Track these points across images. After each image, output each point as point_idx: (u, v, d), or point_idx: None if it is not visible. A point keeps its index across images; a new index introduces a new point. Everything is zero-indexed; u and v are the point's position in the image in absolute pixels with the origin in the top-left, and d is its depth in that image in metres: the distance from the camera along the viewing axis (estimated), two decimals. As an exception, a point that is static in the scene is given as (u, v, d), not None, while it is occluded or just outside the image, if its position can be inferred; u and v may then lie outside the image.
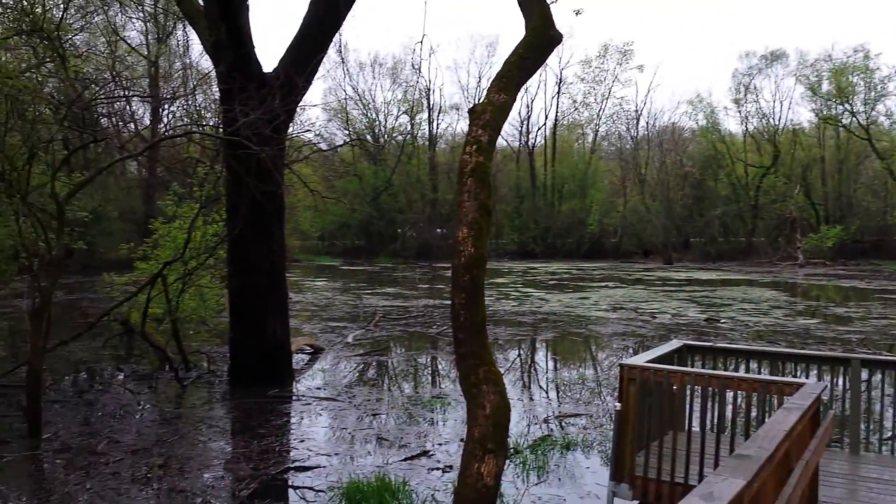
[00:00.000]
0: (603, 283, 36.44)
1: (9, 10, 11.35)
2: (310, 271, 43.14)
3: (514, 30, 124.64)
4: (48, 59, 10.43)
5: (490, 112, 6.16)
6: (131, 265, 16.30)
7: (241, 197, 11.30)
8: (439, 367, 14.28)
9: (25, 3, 10.50)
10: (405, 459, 7.97)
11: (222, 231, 13.19)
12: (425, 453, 8.21)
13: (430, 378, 13.20)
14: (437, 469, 7.65)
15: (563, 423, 9.61)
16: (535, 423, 9.60)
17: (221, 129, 11.44)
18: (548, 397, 11.43)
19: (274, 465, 7.73)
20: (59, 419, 9.53)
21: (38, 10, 10.66)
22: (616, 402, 5.91)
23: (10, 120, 8.90)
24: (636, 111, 79.81)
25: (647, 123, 73.45)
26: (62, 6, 11.71)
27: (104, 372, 13.12)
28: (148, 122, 38.40)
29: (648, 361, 5.97)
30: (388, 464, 7.76)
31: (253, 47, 11.48)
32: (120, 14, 31.91)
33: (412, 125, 67.65)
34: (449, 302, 6.00)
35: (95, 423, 9.48)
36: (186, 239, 12.02)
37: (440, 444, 8.56)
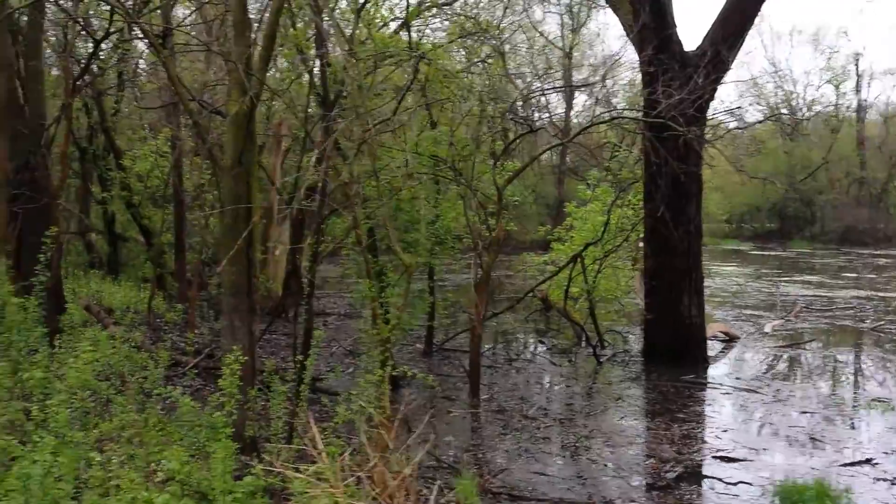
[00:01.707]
0: None
1: (454, 15, 12.86)
2: (717, 255, 41.45)
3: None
4: (488, 58, 11.60)
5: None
6: (545, 246, 17.36)
7: (660, 179, 11.28)
8: (878, 366, 12.55)
9: (467, 7, 11.81)
10: (844, 465, 7.19)
11: (638, 213, 13.33)
12: (868, 461, 7.30)
13: (867, 377, 11.67)
14: (885, 480, 6.75)
15: None
16: None
17: (642, 113, 11.52)
18: None
19: (697, 452, 7.59)
20: (494, 382, 10.59)
21: (478, 13, 11.93)
22: None
23: (460, 115, 10.10)
24: None
25: None
26: (503, 7, 12.93)
27: (527, 343, 14.30)
28: (561, 110, 40.60)
29: None
30: (824, 467, 7.07)
31: (675, 27, 11.38)
32: (538, 9, 34.19)
33: (837, 96, 60.29)
34: (887, 294, 5.17)
35: (524, 389, 10.35)
36: (605, 221, 12.40)
37: (886, 454, 7.53)
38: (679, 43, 11.39)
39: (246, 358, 6.12)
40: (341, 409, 5.41)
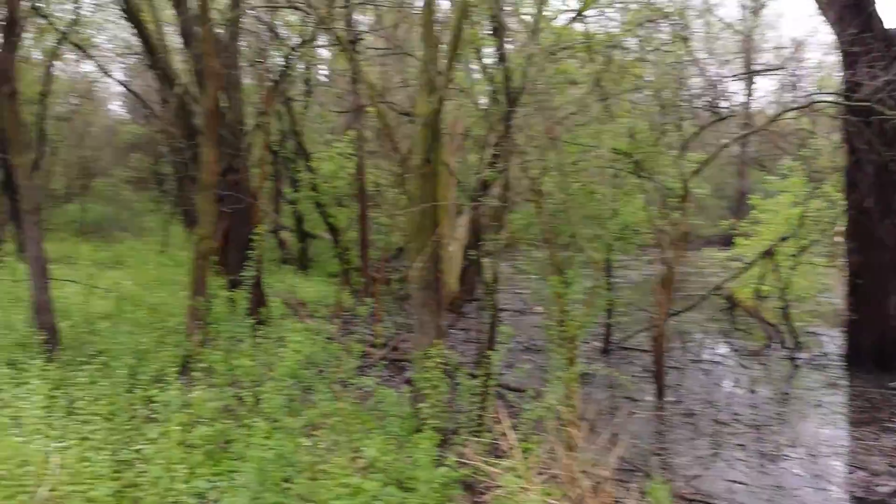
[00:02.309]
0: None
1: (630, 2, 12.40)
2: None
3: None
4: (665, 45, 11.09)
5: None
6: (726, 241, 16.41)
7: (864, 168, 10.33)
8: None
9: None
10: None
11: (835, 205, 12.26)
12: None
13: None
14: None
15: None
16: None
17: (843, 97, 10.58)
18: None
19: (917, 468, 6.86)
20: (678, 384, 10.15)
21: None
22: None
23: (640, 105, 9.77)
24: None
25: None
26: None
27: (712, 344, 13.60)
28: (742, 97, 38.26)
29: None
30: None
31: (875, 4, 10.41)
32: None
33: None
34: None
35: (712, 392, 9.84)
36: (801, 214, 11.52)
37: None
38: (880, 21, 10.40)
39: (436, 351, 6.29)
40: (531, 406, 5.40)
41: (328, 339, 8.10)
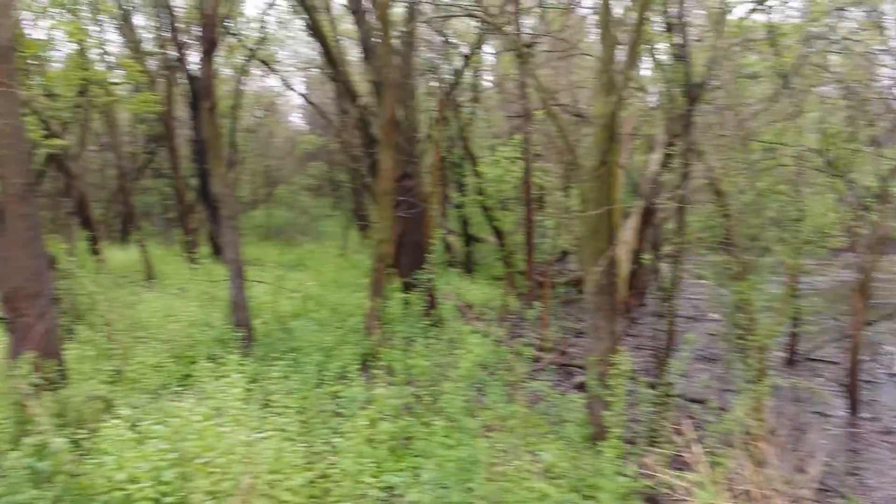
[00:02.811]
0: None
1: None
2: None
3: None
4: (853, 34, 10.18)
5: None
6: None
7: None
8: None
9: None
10: None
11: None
12: None
13: None
14: None
15: None
16: None
17: None
18: None
19: None
20: (873, 398, 9.30)
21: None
22: None
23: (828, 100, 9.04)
24: None
25: None
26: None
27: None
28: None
29: None
30: None
31: None
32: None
33: None
34: None
35: (916, 410, 8.94)
36: None
37: None
38: None
39: (609, 357, 6.16)
40: (716, 419, 5.15)
41: (496, 342, 8.17)
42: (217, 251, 17.00)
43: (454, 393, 5.56)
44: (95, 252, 13.05)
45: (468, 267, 17.74)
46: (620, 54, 5.98)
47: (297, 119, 32.34)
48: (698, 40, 8.80)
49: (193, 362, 7.73)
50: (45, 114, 11.31)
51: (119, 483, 4.38)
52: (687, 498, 4.41)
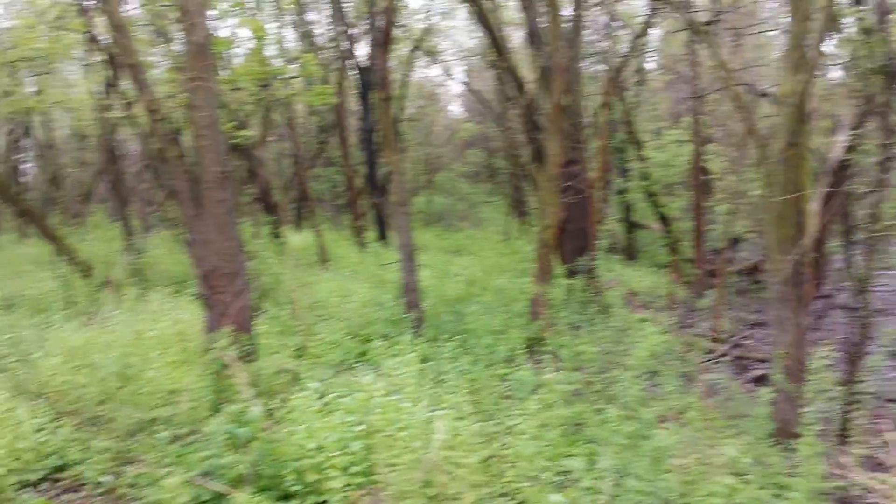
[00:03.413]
0: None
1: None
2: None
3: None
4: None
5: None
6: None
7: None
8: None
9: None
10: None
11: None
12: None
13: None
14: None
15: None
16: None
17: None
18: None
19: None
20: None
21: None
22: None
23: None
24: None
25: None
26: None
27: None
28: None
29: None
30: None
31: None
32: None
33: None
34: None
35: None
36: None
37: None
38: None
39: (793, 351, 5.82)
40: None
41: (666, 331, 7.94)
42: (383, 236, 17.68)
43: (629, 381, 5.47)
44: (276, 235, 13.97)
45: (631, 254, 17.32)
46: (811, 29, 5.57)
47: (456, 108, 32.88)
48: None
49: (368, 340, 8.14)
50: (232, 106, 12.21)
51: (309, 451, 4.69)
52: (885, 501, 4.11)
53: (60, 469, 5.19)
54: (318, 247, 14.39)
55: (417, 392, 5.63)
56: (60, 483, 5.10)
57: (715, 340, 9.27)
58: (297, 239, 16.42)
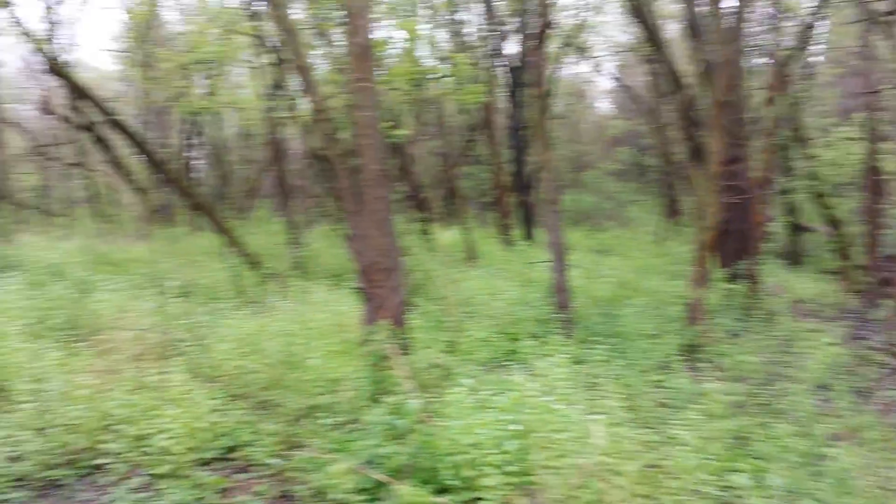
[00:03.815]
0: None
1: None
2: None
3: None
4: None
5: None
6: None
7: None
8: None
9: None
10: None
11: None
12: None
13: None
14: None
15: None
16: None
17: None
18: None
19: None
20: None
21: None
22: None
23: None
24: None
25: None
26: None
27: None
28: None
29: None
30: None
31: None
32: None
33: None
34: None
35: None
36: None
37: None
38: None
39: None
40: None
41: (836, 343, 7.39)
42: (529, 234, 17.64)
43: (800, 395, 5.13)
44: (426, 232, 14.28)
45: (795, 259, 16.26)
46: None
47: (604, 104, 32.25)
48: None
49: (516, 339, 8.10)
50: (387, 106, 12.61)
51: (464, 447, 4.73)
52: None
53: (232, 449, 5.52)
54: (466, 244, 14.55)
55: (571, 394, 5.54)
56: (232, 463, 5.44)
57: (893, 354, 8.52)
58: (446, 236, 16.69)
